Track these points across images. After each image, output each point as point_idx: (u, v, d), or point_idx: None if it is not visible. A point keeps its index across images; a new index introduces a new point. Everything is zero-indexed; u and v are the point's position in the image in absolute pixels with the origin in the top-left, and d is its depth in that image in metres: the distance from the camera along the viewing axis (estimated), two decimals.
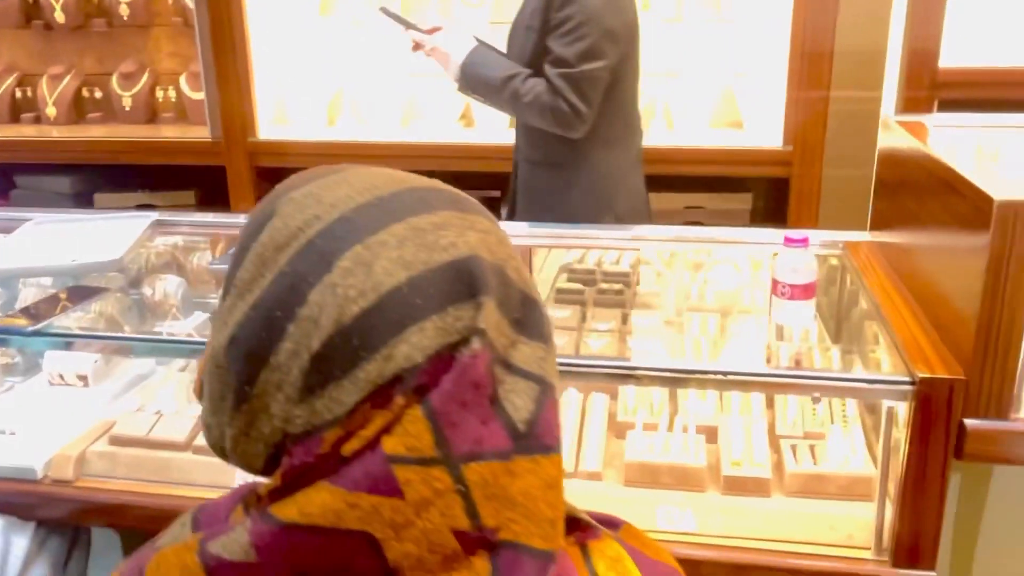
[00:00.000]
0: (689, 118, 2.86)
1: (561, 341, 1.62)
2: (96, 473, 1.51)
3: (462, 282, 0.55)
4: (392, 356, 0.53)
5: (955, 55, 2.49)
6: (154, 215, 1.97)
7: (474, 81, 2.11)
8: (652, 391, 1.53)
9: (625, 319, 1.65)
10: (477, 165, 2.95)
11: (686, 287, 1.74)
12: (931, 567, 1.23)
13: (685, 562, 1.28)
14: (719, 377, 1.24)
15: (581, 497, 1.32)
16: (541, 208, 2.21)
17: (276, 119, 3.12)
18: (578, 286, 1.78)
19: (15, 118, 3.32)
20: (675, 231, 1.89)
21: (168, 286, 1.90)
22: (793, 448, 1.40)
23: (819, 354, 1.34)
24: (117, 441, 1.53)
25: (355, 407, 0.53)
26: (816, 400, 1.27)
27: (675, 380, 1.29)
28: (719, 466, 1.38)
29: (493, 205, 3.02)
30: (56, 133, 3.20)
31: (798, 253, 1.35)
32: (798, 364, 1.31)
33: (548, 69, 2.00)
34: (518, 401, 0.55)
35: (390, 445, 0.52)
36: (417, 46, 2.20)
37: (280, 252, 0.56)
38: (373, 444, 0.53)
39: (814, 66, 2.55)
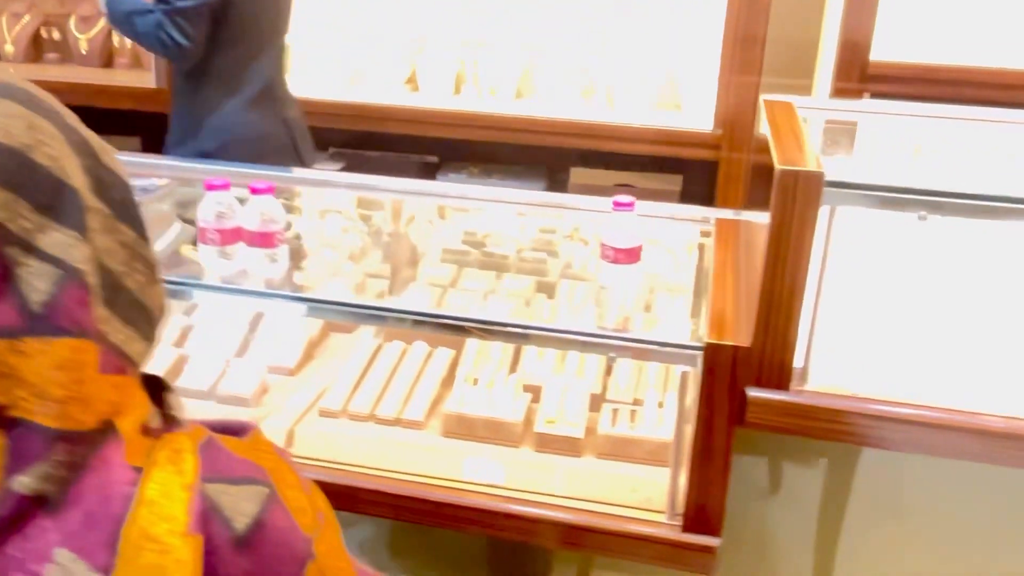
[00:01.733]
0: (631, 98, 2.86)
1: (420, 295, 1.65)
2: None
3: None
4: None
5: (887, 49, 2.47)
6: None
7: (113, 13, 2.23)
8: (492, 347, 1.55)
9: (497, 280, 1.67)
10: (419, 129, 2.96)
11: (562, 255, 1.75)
12: (716, 533, 1.25)
13: (485, 512, 1.32)
14: (516, 330, 1.26)
15: (399, 444, 1.35)
16: (174, 136, 2.39)
17: None
18: (466, 248, 1.81)
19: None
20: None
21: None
22: (615, 411, 1.42)
23: (624, 316, 1.35)
24: None
25: None
26: (611, 360, 1.29)
27: (489, 332, 1.30)
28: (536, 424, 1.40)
29: (431, 168, 3.03)
30: (12, 71, 3.23)
31: (624, 217, 1.36)
32: (610, 325, 1.33)
33: (154, 4, 2.14)
34: (37, 283, 0.57)
35: None
36: None
37: None
38: None
39: (746, 51, 2.54)
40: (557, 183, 2.96)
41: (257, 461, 0.70)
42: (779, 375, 1.17)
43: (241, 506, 0.65)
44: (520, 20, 2.98)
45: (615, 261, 1.36)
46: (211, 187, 1.36)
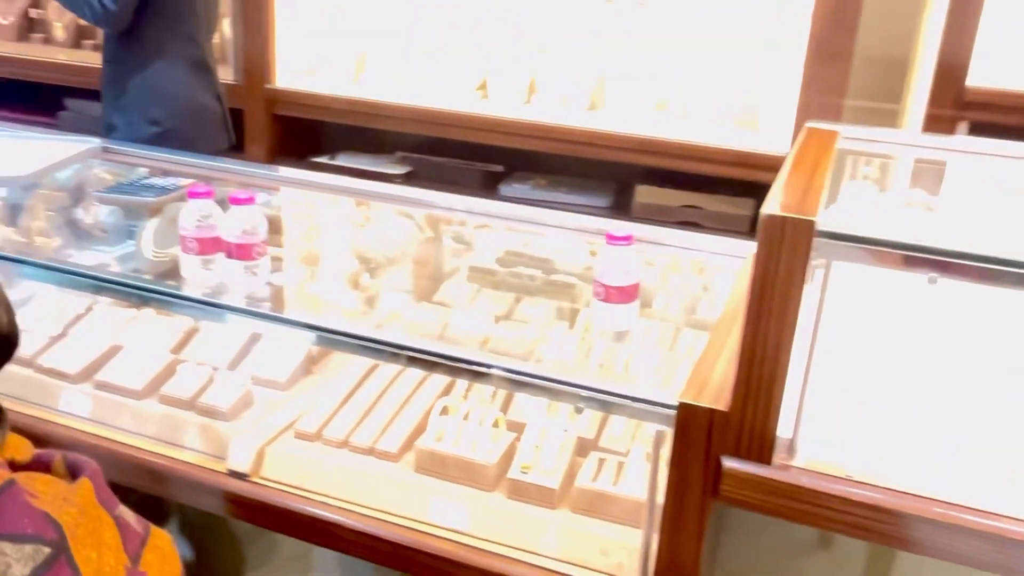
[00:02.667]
0: (705, 115, 2.70)
1: (424, 316, 1.57)
2: None
3: None
4: None
5: (985, 75, 2.24)
6: (97, 142, 2.02)
7: None
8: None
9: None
10: (486, 137, 2.89)
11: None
12: None
13: (441, 559, 1.23)
14: (481, 370, 1.15)
15: (367, 476, 1.26)
16: (112, 103, 2.41)
17: (308, 70, 3.15)
18: (496, 268, 1.72)
19: (76, 43, 3.49)
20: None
21: (101, 212, 1.94)
22: (600, 462, 1.30)
23: (603, 362, 1.23)
24: None
25: None
26: (578, 411, 1.17)
27: (453, 369, 1.21)
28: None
29: (496, 178, 2.95)
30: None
31: (617, 252, 1.24)
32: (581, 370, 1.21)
33: None
34: None
35: None
36: None
37: None
38: None
39: (830, 70, 2.35)
40: (624, 200, 2.82)
41: (56, 514, 0.63)
42: (760, 446, 1.03)
43: (12, 569, 0.59)
44: (597, 30, 2.86)
45: (607, 299, 1.24)
46: (193, 195, 1.32)
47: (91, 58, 3.38)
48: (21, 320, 1.66)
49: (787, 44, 2.48)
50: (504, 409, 1.42)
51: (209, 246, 1.31)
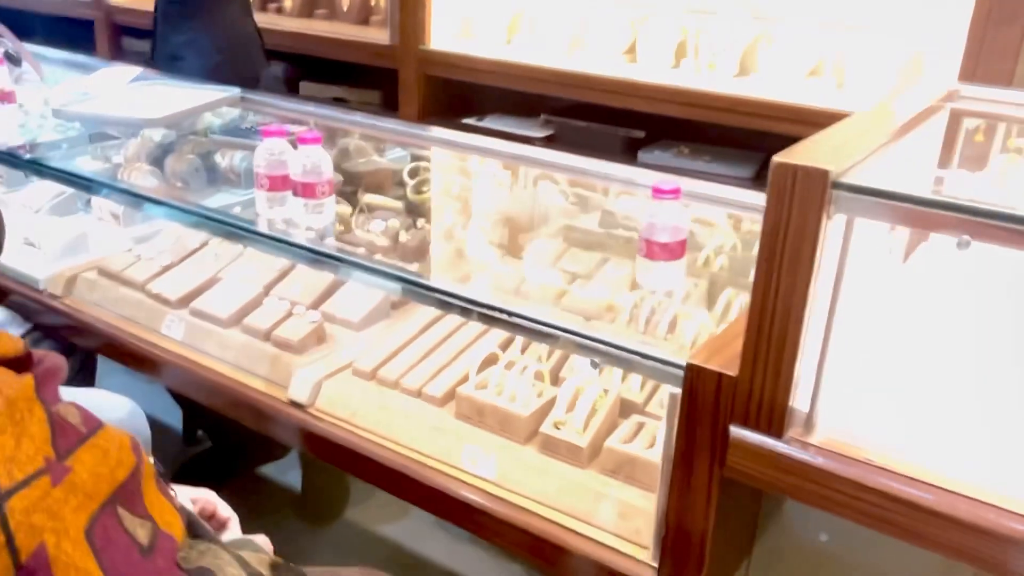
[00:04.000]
0: (862, 81, 2.50)
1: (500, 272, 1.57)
2: (83, 297, 1.73)
3: None
4: None
5: None
6: (237, 91, 2.16)
7: None
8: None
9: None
10: (630, 102, 2.82)
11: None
12: None
13: (464, 505, 1.23)
14: (503, 316, 1.14)
15: (410, 416, 1.30)
16: (168, 39, 2.59)
17: (462, 32, 3.20)
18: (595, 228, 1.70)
19: (264, 6, 3.72)
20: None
21: (235, 158, 2.08)
22: (639, 426, 1.25)
23: (631, 321, 1.17)
24: (103, 273, 1.75)
25: None
26: (594, 365, 1.12)
27: (494, 320, 1.20)
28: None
29: (637, 144, 2.88)
30: (285, 24, 3.54)
31: (662, 207, 1.18)
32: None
33: None
34: None
35: None
36: None
37: None
38: None
39: (999, 35, 2.10)
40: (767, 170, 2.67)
41: None
42: (770, 416, 0.95)
43: None
44: None
45: (649, 256, 1.19)
46: (267, 133, 1.38)
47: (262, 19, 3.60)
48: (145, 250, 1.82)
49: (949, 5, 2.24)
50: (559, 367, 1.39)
51: (279, 184, 1.37)
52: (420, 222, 1.88)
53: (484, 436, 1.29)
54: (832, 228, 0.87)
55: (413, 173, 2.12)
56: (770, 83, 2.62)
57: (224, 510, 1.21)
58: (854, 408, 0.99)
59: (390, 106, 3.33)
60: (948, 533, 0.86)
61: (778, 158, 0.87)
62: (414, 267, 1.50)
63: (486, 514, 1.21)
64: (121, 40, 4.04)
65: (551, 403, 1.29)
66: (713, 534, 1.03)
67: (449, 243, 1.70)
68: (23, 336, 1.79)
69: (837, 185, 0.85)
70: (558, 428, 1.25)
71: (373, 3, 3.47)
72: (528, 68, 2.96)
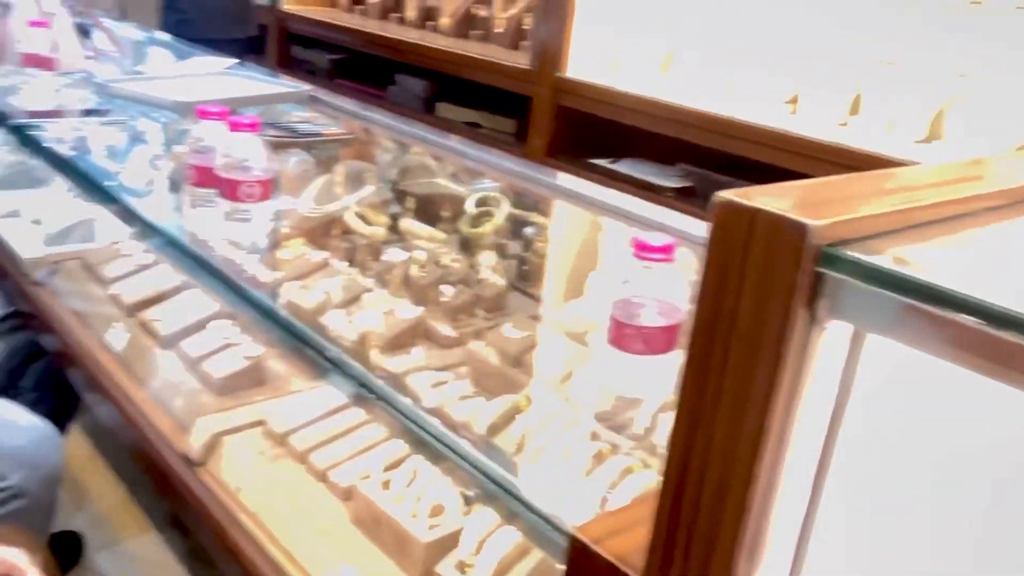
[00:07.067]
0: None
1: None
2: (57, 287, 1.53)
3: None
4: None
5: None
6: (307, 88, 1.93)
7: None
8: None
9: None
10: (787, 160, 2.36)
11: None
12: None
13: None
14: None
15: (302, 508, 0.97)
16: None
17: (608, 66, 2.87)
18: None
19: (420, 24, 3.56)
20: None
21: (290, 159, 1.85)
22: None
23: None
24: (84, 265, 1.55)
25: None
26: (466, 501, 0.71)
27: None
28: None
29: None
30: (439, 41, 3.35)
31: (648, 272, 0.76)
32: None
33: None
34: None
35: None
36: None
37: None
38: None
39: None
40: None
41: None
42: None
43: None
44: (952, 37, 2.19)
45: (618, 343, 0.78)
46: (204, 115, 1.09)
47: (404, 32, 3.44)
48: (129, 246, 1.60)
49: None
50: None
51: (206, 178, 1.07)
52: (447, 259, 1.55)
53: (373, 555, 0.92)
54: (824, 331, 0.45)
55: (480, 203, 1.80)
56: (960, 154, 2.08)
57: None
58: None
59: (523, 137, 3.04)
60: None
61: (719, 196, 0.46)
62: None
63: None
64: (290, 48, 4.02)
65: (458, 534, 0.90)
66: None
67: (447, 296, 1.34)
68: (1, 320, 1.61)
69: (825, 256, 0.42)
70: (461, 573, 0.85)
71: (526, 27, 3.20)
72: (672, 109, 2.57)
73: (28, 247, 1.59)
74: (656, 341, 0.77)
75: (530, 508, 0.65)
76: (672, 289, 0.77)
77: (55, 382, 1.62)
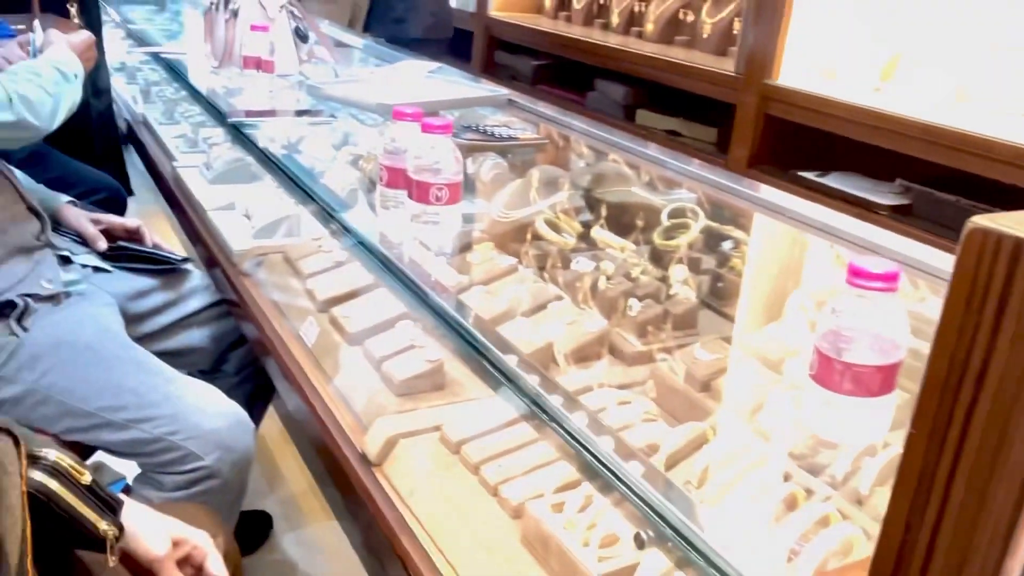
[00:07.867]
0: None
1: None
2: (258, 279, 1.60)
3: None
4: None
5: None
6: (505, 92, 1.93)
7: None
8: None
9: None
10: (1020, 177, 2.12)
11: None
12: None
13: None
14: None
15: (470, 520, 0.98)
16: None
17: (823, 71, 2.70)
18: None
19: (625, 30, 3.50)
20: None
21: (484, 162, 1.86)
22: None
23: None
24: (287, 259, 1.61)
25: None
26: (638, 543, 0.64)
27: None
28: None
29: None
30: (644, 47, 3.28)
31: (862, 302, 0.67)
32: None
33: None
34: None
35: None
36: None
37: None
38: None
39: None
40: None
41: None
42: None
43: None
44: None
45: (824, 382, 0.69)
46: (399, 116, 1.09)
47: (604, 37, 3.39)
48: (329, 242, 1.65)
49: None
50: None
51: (398, 179, 1.07)
52: (637, 271, 1.48)
53: None
54: None
55: (675, 214, 1.72)
56: None
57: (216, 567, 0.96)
58: None
59: (725, 147, 2.91)
60: None
61: (974, 222, 0.38)
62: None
63: None
64: (495, 54, 4.08)
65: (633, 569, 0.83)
66: None
67: (634, 312, 1.28)
68: (205, 309, 1.70)
69: None
70: None
71: (736, 31, 3.07)
72: (892, 119, 2.37)
73: (238, 239, 1.68)
74: (867, 382, 0.68)
75: (709, 561, 0.58)
76: (890, 323, 0.67)
77: (255, 369, 1.70)
